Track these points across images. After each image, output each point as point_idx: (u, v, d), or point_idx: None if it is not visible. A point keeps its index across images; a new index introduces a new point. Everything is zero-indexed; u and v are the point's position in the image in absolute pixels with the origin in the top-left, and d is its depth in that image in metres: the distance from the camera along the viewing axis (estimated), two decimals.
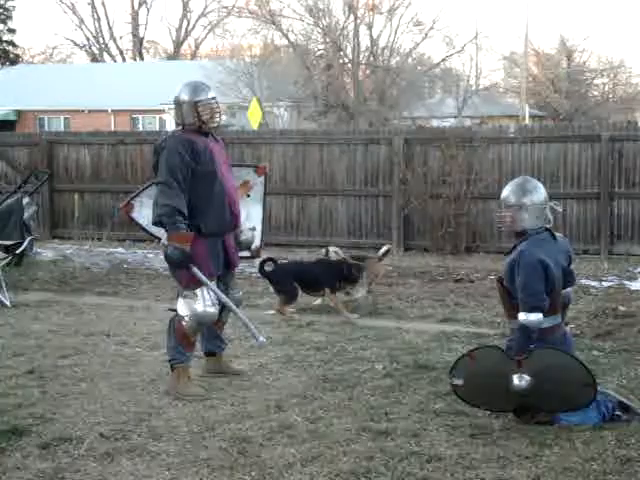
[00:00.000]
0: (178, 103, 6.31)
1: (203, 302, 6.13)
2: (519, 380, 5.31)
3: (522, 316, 5.38)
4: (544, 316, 5.39)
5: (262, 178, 7.08)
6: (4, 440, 5.12)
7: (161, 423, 5.49)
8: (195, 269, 6.02)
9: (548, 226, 5.67)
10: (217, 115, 6.31)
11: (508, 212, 5.66)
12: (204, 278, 6.07)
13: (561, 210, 5.92)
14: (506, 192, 5.70)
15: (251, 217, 6.90)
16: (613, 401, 5.52)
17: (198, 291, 6.13)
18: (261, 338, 6.24)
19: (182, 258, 5.97)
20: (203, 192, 6.13)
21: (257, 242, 6.87)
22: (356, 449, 4.99)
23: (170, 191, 5.99)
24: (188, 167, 6.05)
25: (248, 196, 6.93)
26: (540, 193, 5.66)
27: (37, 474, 4.66)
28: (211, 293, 6.13)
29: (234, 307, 6.28)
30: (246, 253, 6.82)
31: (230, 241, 6.39)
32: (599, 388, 5.53)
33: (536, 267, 5.41)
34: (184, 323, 6.19)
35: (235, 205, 6.35)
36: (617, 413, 5.43)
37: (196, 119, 6.22)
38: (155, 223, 6.14)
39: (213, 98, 6.29)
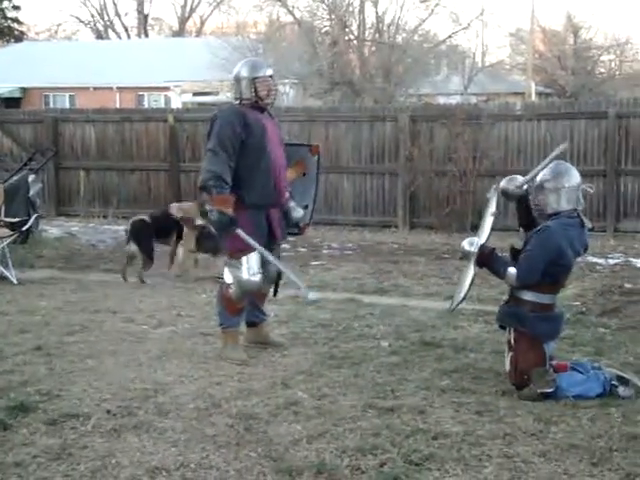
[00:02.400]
0: (237, 79, 6.53)
1: (248, 270, 6.37)
2: (468, 245, 5.71)
3: (512, 270, 5.53)
4: (547, 293, 5.55)
5: (316, 157, 7.15)
6: (11, 417, 5.14)
7: (167, 400, 5.50)
8: (241, 232, 6.21)
9: (580, 208, 5.66)
10: (273, 92, 6.56)
11: (542, 195, 5.65)
12: (251, 241, 6.24)
13: (592, 191, 5.92)
14: (542, 176, 5.67)
15: (305, 195, 6.98)
16: (611, 373, 5.56)
17: (243, 259, 6.36)
18: (311, 294, 6.64)
19: (227, 221, 6.20)
20: (250, 164, 6.33)
21: (307, 219, 7.00)
22: (362, 426, 4.99)
23: (216, 158, 6.23)
24: (238, 138, 6.27)
25: (304, 175, 7.02)
26: (574, 176, 5.66)
27: (44, 450, 4.67)
28: (255, 262, 6.35)
29: (282, 267, 6.55)
30: (294, 229, 6.98)
31: (274, 215, 6.53)
32: (595, 364, 5.72)
33: (550, 248, 5.47)
34: (230, 290, 6.45)
35: (280, 181, 6.50)
36: (614, 383, 5.48)
37: (253, 94, 6.43)
38: (201, 188, 6.36)
39: (270, 76, 6.55)
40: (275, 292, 6.95)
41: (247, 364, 6.34)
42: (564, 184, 5.59)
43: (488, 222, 5.84)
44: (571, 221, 5.61)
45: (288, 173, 6.73)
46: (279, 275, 6.72)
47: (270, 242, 6.53)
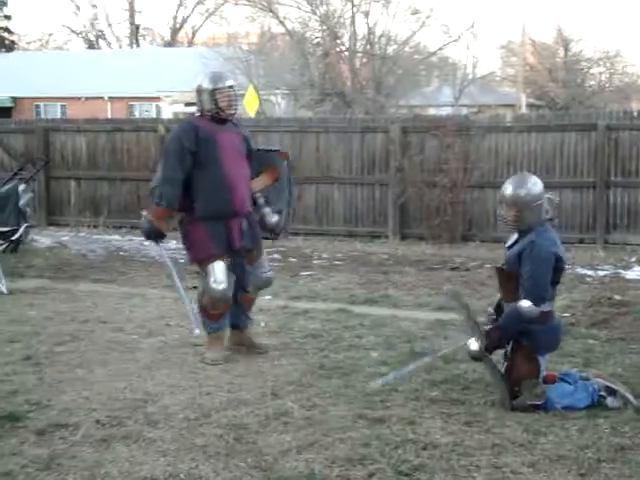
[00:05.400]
0: (199, 91, 6.66)
1: (212, 278, 6.53)
2: (473, 346, 5.58)
3: (526, 303, 5.44)
4: (547, 301, 5.55)
5: (285, 162, 7.25)
6: (0, 426, 5.13)
7: (157, 410, 5.50)
8: (158, 248, 6.81)
9: (548, 217, 5.70)
10: (234, 103, 6.66)
11: (511, 211, 5.67)
12: (167, 259, 6.95)
13: (557, 200, 5.95)
14: (507, 191, 5.70)
15: (279, 200, 7.12)
16: (599, 384, 5.58)
17: (209, 268, 6.55)
18: (196, 331, 6.85)
19: (153, 232, 6.58)
20: (203, 176, 6.50)
21: (281, 224, 7.12)
22: (352, 436, 5.00)
23: (162, 173, 6.51)
24: (187, 152, 6.45)
25: (277, 180, 7.12)
26: (538, 187, 5.68)
27: (33, 460, 4.67)
28: (220, 271, 6.53)
29: (182, 292, 6.92)
30: (270, 234, 7.15)
31: (234, 225, 6.62)
32: (583, 374, 5.75)
33: (548, 260, 5.52)
34: (202, 298, 6.69)
35: (237, 192, 6.58)
36: (602, 394, 5.51)
37: (214, 106, 6.54)
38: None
39: (231, 87, 6.66)
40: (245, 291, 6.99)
41: (219, 364, 6.55)
42: (533, 197, 5.59)
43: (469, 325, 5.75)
44: (547, 226, 5.68)
45: (260, 180, 6.90)
46: (242, 280, 6.85)
47: (230, 252, 6.65)
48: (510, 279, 5.64)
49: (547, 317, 5.59)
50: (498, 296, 5.88)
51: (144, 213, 6.64)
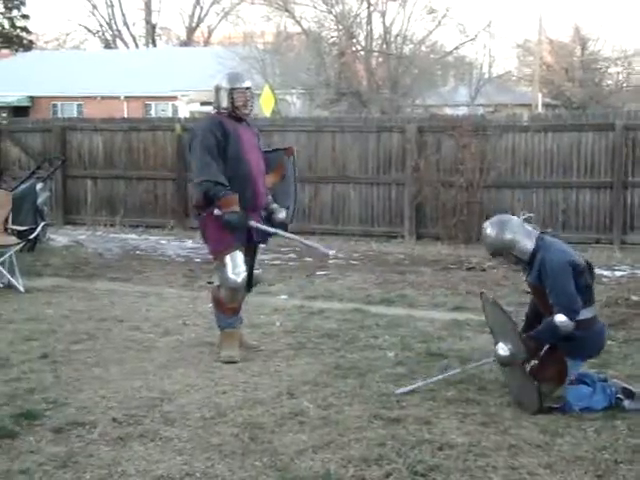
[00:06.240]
0: (217, 89, 6.80)
1: (231, 269, 6.63)
2: (502, 350, 5.56)
3: (561, 318, 5.42)
4: (585, 307, 5.52)
5: (291, 159, 7.37)
6: (18, 424, 5.16)
7: (173, 408, 5.51)
8: (254, 222, 6.66)
9: (539, 231, 5.73)
10: (249, 103, 6.82)
11: (507, 257, 5.71)
12: (264, 227, 6.77)
13: (532, 215, 5.97)
14: (491, 246, 5.71)
15: (286, 196, 7.23)
16: (616, 386, 5.57)
17: (227, 259, 6.64)
18: (331, 251, 7.10)
19: (237, 219, 6.53)
20: (229, 171, 6.61)
21: (289, 220, 7.23)
22: (367, 436, 5.00)
23: (206, 168, 6.54)
24: (220, 145, 6.58)
25: (283, 177, 7.26)
26: (513, 222, 5.69)
27: (50, 458, 4.69)
28: (238, 260, 6.62)
29: (289, 235, 7.07)
30: (277, 230, 7.15)
31: (253, 218, 6.76)
32: (601, 375, 5.73)
33: (564, 270, 5.50)
34: (219, 291, 6.78)
35: (258, 187, 6.79)
36: (619, 396, 5.49)
37: (230, 105, 6.71)
38: (205, 199, 6.62)
39: (248, 88, 6.84)
40: (249, 288, 7.04)
41: (234, 361, 6.57)
42: (514, 232, 5.61)
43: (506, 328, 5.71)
44: (546, 238, 5.68)
45: (269, 178, 7.03)
46: (250, 275, 6.91)
47: (248, 244, 6.81)
48: (543, 293, 5.64)
49: (588, 323, 5.56)
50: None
51: (218, 213, 6.54)
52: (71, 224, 16.18)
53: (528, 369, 5.65)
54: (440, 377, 5.96)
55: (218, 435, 5.04)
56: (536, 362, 5.69)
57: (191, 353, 6.93)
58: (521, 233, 5.63)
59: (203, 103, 31.55)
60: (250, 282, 6.96)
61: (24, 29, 51.57)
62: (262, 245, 7.21)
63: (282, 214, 7.05)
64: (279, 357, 6.82)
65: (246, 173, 6.69)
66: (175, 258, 12.43)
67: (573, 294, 5.47)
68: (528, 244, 5.62)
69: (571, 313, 5.43)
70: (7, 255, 9.71)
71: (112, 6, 56.28)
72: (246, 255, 6.78)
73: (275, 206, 7.02)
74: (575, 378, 5.59)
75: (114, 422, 5.25)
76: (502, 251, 5.67)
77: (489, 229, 5.72)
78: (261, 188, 6.83)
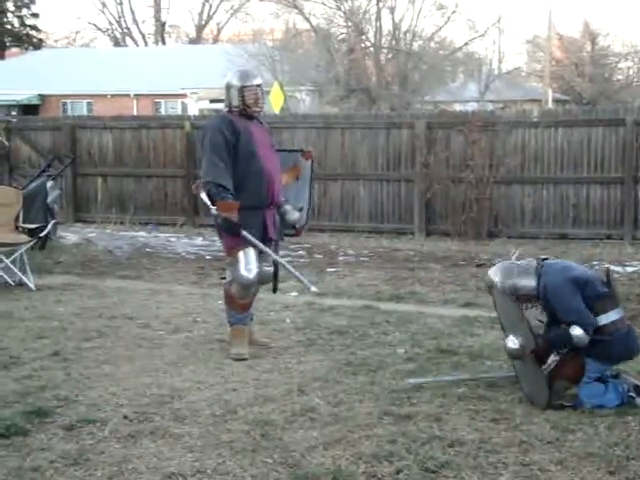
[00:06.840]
0: (227, 87, 6.82)
1: (244, 266, 6.64)
2: (512, 343, 5.57)
3: (577, 331, 5.42)
4: (605, 313, 5.50)
5: (309, 162, 7.37)
6: (29, 422, 5.16)
7: (183, 405, 5.51)
8: (245, 233, 6.54)
9: (536, 262, 5.75)
10: (260, 101, 6.79)
11: (521, 299, 5.69)
12: (254, 240, 6.60)
13: (518, 254, 6.09)
14: (499, 292, 5.77)
15: (299, 198, 7.22)
16: (628, 383, 5.55)
17: (240, 255, 6.64)
18: (313, 287, 6.90)
19: (231, 225, 6.52)
20: (242, 168, 6.61)
21: (302, 221, 7.23)
22: (378, 433, 4.99)
23: (213, 167, 6.53)
24: (230, 143, 6.55)
25: (297, 179, 7.26)
26: (505, 267, 5.77)
27: (61, 455, 4.70)
28: (251, 257, 6.62)
29: (283, 262, 6.95)
30: (291, 231, 7.26)
31: (269, 215, 6.80)
32: (613, 372, 5.67)
33: (564, 288, 5.50)
34: (231, 287, 6.78)
35: (273, 184, 6.76)
36: (631, 394, 5.47)
37: (241, 102, 6.71)
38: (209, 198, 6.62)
39: (258, 85, 6.82)
40: (275, 289, 7.13)
41: (244, 358, 6.57)
42: (508, 277, 5.67)
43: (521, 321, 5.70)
44: (546, 264, 5.70)
45: (283, 178, 7.00)
46: (276, 274, 6.95)
47: (264, 241, 6.76)
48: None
49: (610, 328, 5.51)
50: None
51: (214, 212, 6.56)
52: (81, 222, 16.22)
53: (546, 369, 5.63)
54: (451, 379, 5.96)
55: (229, 432, 5.05)
56: (555, 360, 5.66)
57: (201, 350, 6.94)
58: (516, 275, 5.67)
59: (212, 100, 31.59)
60: (275, 282, 6.99)
61: (34, 27, 51.74)
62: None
63: (295, 215, 7.02)
64: (289, 354, 6.82)
65: (260, 169, 6.65)
66: (185, 255, 12.45)
67: (581, 310, 5.45)
68: (529, 281, 5.64)
69: (587, 326, 5.42)
70: (18, 253, 9.74)
71: (121, 4, 56.47)
72: (261, 253, 6.75)
73: (288, 207, 6.98)
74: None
75: (125, 419, 5.26)
76: (516, 292, 5.68)
77: (503, 271, 5.78)
78: (277, 185, 6.80)
